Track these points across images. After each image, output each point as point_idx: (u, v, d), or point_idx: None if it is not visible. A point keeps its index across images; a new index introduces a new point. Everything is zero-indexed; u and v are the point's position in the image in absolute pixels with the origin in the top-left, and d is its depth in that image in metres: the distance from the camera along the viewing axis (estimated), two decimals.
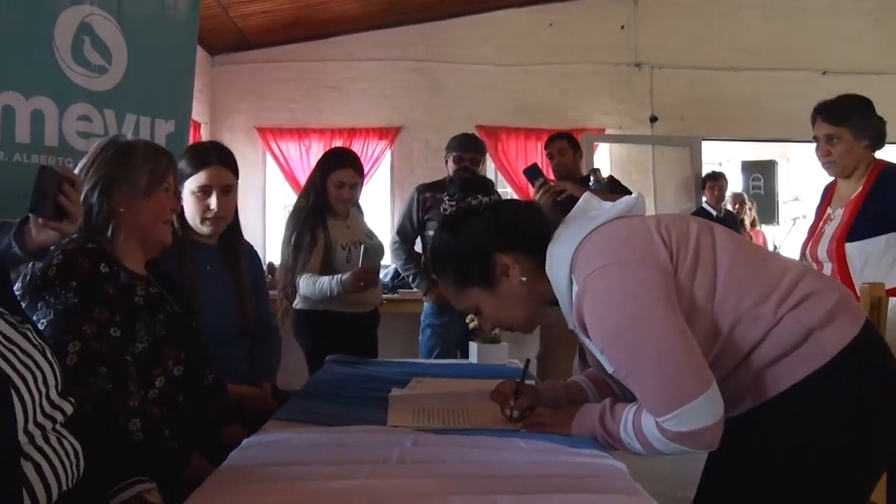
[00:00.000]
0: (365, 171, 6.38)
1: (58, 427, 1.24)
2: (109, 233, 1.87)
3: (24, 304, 1.71)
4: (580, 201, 1.65)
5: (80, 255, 1.76)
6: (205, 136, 6.61)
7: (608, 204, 1.61)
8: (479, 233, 1.63)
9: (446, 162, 4.20)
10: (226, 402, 2.08)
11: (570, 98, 6.68)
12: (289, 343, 3.60)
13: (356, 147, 6.69)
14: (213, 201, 2.41)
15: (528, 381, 1.79)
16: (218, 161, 2.44)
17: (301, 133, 6.77)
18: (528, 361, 1.84)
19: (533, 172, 4.00)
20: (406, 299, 4.88)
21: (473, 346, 2.72)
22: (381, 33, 6.68)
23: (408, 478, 1.22)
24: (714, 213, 5.92)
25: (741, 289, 1.46)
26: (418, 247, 4.15)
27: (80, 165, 1.90)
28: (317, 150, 6.66)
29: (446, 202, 1.78)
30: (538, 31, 6.64)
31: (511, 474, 1.25)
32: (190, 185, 2.42)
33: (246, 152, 6.87)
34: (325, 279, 3.13)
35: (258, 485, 1.20)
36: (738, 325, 1.45)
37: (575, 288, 1.49)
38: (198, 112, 6.40)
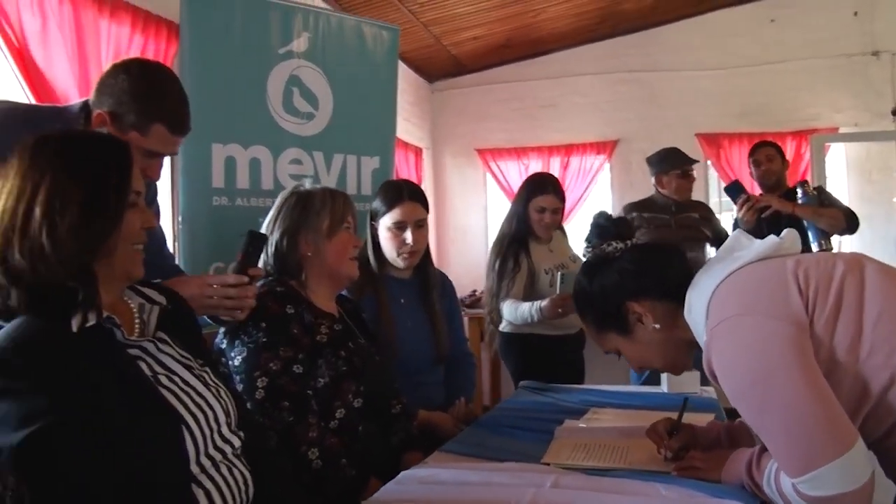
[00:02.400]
0: (584, 187, 6.50)
1: (229, 457, 1.40)
2: (302, 276, 2.07)
3: (225, 343, 1.94)
4: (728, 240, 1.58)
5: (270, 298, 1.95)
6: (426, 161, 6.90)
7: (757, 243, 1.52)
8: (611, 281, 1.62)
9: (660, 180, 4.10)
10: (410, 430, 2.19)
11: (798, 97, 6.19)
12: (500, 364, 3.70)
13: (573, 163, 6.70)
14: (408, 236, 2.54)
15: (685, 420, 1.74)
16: (410, 197, 2.57)
17: (519, 152, 6.87)
18: (685, 400, 1.78)
19: (735, 189, 3.84)
20: None
21: (664, 375, 2.65)
22: (593, 47, 6.61)
23: None
24: None
25: (893, 339, 1.31)
26: None
27: (269, 217, 2.12)
28: (536, 169, 6.72)
29: (584, 248, 1.79)
30: (759, 28, 6.23)
31: None
32: (385, 222, 2.56)
33: (467, 174, 7.09)
34: (526, 306, 3.19)
35: None
36: (894, 381, 1.30)
37: (704, 338, 1.44)
38: (418, 138, 6.73)
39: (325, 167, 3.30)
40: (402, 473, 1.64)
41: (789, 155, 6.06)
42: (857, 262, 1.43)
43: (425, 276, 2.70)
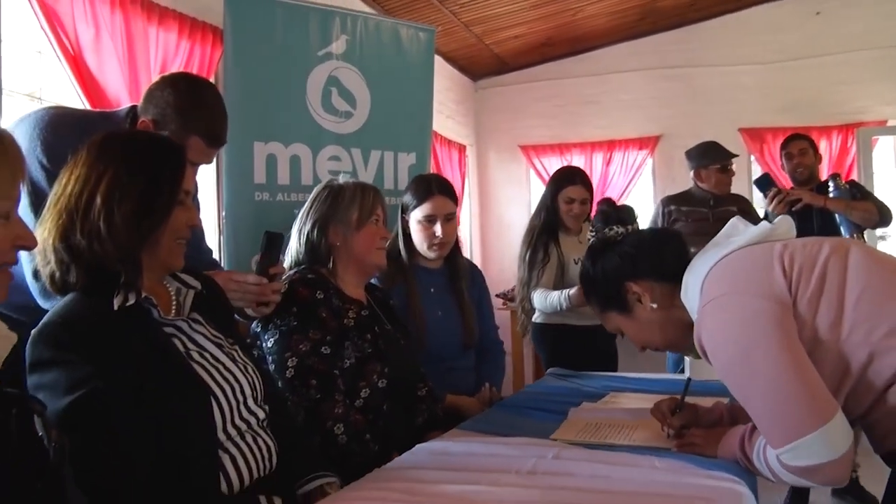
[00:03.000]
0: (627, 182, 6.55)
1: (254, 428, 1.54)
2: (330, 263, 2.21)
3: (259, 327, 2.09)
4: (726, 226, 1.65)
5: (301, 284, 2.09)
6: (470, 157, 7.03)
7: (753, 229, 1.60)
8: (612, 263, 1.72)
9: (698, 174, 4.15)
10: (435, 411, 2.30)
11: (845, 90, 6.11)
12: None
13: (616, 158, 6.76)
14: (438, 229, 2.65)
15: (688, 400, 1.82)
16: (439, 192, 2.68)
17: (562, 148, 6.95)
18: (688, 380, 1.86)
19: (764, 183, 3.87)
20: None
21: (687, 360, 2.72)
22: (634, 43, 6.66)
23: (519, 487, 1.34)
24: None
25: (873, 318, 1.38)
26: None
27: (303, 209, 2.26)
28: (578, 164, 6.80)
29: (590, 234, 1.88)
30: (803, 22, 6.19)
31: (617, 490, 1.33)
32: (416, 216, 2.68)
33: (511, 170, 7.20)
34: (555, 294, 3.28)
35: (392, 483, 1.41)
36: (872, 359, 1.37)
37: (696, 317, 1.53)
38: (463, 136, 6.86)
39: (363, 163, 3.44)
40: (417, 446, 1.75)
41: (835, 149, 6.03)
42: (843, 245, 1.50)
43: (454, 265, 2.80)
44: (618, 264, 1.71)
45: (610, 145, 6.80)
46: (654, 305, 1.67)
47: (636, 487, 1.35)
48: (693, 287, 1.56)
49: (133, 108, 2.03)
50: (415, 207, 2.68)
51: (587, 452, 1.63)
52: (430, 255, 2.71)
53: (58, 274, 1.43)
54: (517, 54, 6.64)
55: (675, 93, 6.57)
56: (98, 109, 2.66)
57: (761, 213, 4.55)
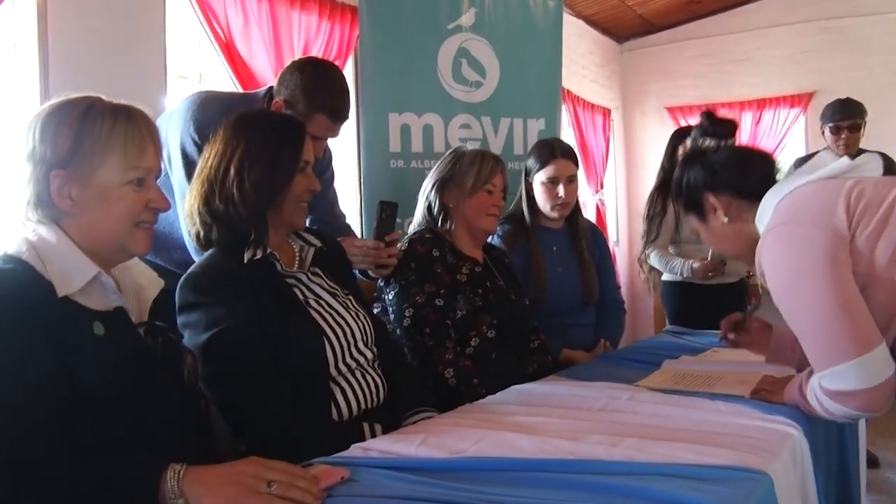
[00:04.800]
0: (777, 141, 6.35)
1: (363, 366, 1.77)
2: (448, 223, 2.41)
3: (384, 282, 2.33)
4: (814, 158, 1.69)
5: (419, 243, 2.32)
6: (616, 120, 7.03)
7: (836, 163, 1.64)
8: (697, 173, 1.81)
9: (822, 133, 4.04)
10: (546, 362, 2.46)
11: None
12: None
13: (766, 117, 6.56)
14: (560, 190, 2.78)
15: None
16: (562, 155, 2.80)
17: (710, 108, 6.79)
18: (756, 304, 1.93)
19: None
20: None
21: None
22: None
23: (581, 420, 1.49)
24: None
25: None
26: None
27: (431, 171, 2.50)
28: None
29: (688, 141, 1.95)
30: None
31: (670, 427, 1.44)
32: (539, 178, 2.81)
33: (657, 132, 7.11)
34: (678, 262, 3.38)
35: (474, 413, 1.60)
36: None
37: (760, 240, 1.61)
38: (608, 99, 6.86)
39: (493, 131, 3.61)
40: (511, 387, 1.92)
41: None
42: None
43: (575, 226, 2.93)
44: (701, 175, 1.80)
45: (760, 104, 6.58)
46: (726, 220, 1.75)
47: (689, 426, 1.46)
48: (767, 209, 1.63)
49: (270, 89, 2.31)
50: (538, 170, 2.81)
51: (662, 396, 1.74)
52: (553, 215, 2.84)
53: (202, 233, 1.73)
54: (663, 14, 6.54)
55: (830, 45, 6.25)
56: (241, 91, 2.98)
57: None
